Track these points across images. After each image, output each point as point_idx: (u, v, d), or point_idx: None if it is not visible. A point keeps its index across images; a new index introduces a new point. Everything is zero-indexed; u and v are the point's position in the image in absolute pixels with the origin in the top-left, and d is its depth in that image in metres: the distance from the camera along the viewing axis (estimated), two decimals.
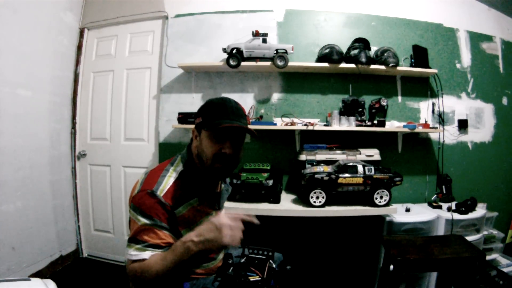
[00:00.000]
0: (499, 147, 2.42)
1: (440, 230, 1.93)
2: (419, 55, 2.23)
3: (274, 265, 1.14)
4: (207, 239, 0.79)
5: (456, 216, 1.91)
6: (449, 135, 2.35)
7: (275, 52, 2.07)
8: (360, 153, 1.98)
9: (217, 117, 0.93)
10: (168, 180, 0.94)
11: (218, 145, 0.94)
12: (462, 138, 2.38)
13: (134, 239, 0.86)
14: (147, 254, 0.84)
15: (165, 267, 0.80)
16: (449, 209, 1.96)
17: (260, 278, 1.02)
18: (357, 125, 2.09)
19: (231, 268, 1.05)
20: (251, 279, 1.00)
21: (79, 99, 2.53)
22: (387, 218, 1.88)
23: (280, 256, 1.30)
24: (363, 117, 2.16)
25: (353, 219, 1.91)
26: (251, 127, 2.09)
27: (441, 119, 2.31)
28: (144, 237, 0.86)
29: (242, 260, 1.13)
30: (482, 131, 2.41)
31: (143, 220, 0.86)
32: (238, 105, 1.00)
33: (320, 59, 2.21)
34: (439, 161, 2.32)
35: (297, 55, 2.23)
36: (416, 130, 2.09)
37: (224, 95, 2.32)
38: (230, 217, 0.81)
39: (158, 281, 0.82)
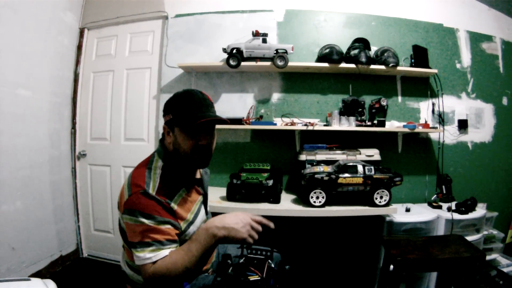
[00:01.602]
0: (499, 147, 2.42)
1: (440, 230, 1.93)
2: (419, 55, 2.23)
3: (273, 265, 1.14)
4: (231, 227, 0.83)
5: (456, 216, 1.91)
6: (449, 135, 2.35)
7: (275, 52, 2.07)
8: (360, 153, 1.98)
9: (188, 112, 0.93)
10: (155, 178, 0.94)
11: (193, 139, 0.95)
12: (462, 138, 2.38)
13: (144, 243, 0.85)
14: (166, 251, 0.84)
15: (193, 258, 0.81)
16: (449, 209, 1.96)
17: (259, 278, 1.02)
18: (357, 125, 2.09)
19: (231, 268, 1.05)
20: (250, 279, 1.00)
21: (79, 99, 2.53)
22: (387, 218, 1.88)
23: (278, 256, 1.30)
24: (363, 117, 2.16)
25: (353, 219, 1.91)
26: (251, 127, 2.10)
27: (441, 119, 2.31)
28: (154, 236, 0.85)
29: (241, 260, 1.13)
30: (482, 131, 2.41)
31: (146, 221, 0.85)
32: (204, 95, 1.01)
33: (320, 59, 2.21)
34: (439, 161, 2.32)
35: (297, 55, 2.23)
36: (416, 130, 2.09)
37: (224, 95, 2.33)
38: (253, 217, 0.89)
39: (186, 275, 0.82)
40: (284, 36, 2.32)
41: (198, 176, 1.12)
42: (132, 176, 0.95)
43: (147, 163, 0.99)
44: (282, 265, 1.19)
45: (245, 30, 2.24)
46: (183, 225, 0.96)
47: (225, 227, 0.84)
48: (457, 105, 2.38)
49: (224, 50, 2.09)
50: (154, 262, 0.83)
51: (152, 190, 0.89)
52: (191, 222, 0.99)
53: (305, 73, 2.30)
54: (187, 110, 0.94)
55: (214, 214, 1.21)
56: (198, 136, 0.95)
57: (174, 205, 0.93)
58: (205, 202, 1.13)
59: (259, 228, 0.89)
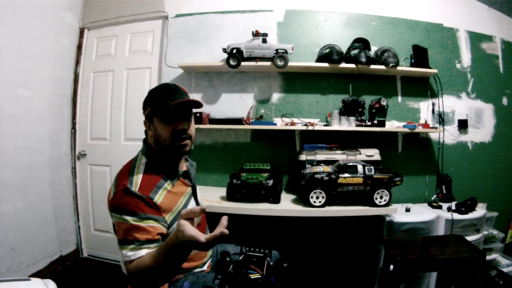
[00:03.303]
0: (499, 147, 2.42)
1: (440, 230, 1.93)
2: (419, 55, 2.23)
3: (271, 263, 1.14)
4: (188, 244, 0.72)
5: (456, 216, 1.91)
6: (449, 135, 2.35)
7: (275, 52, 2.07)
8: (360, 153, 1.98)
9: (163, 100, 0.98)
10: (138, 175, 0.96)
11: (172, 125, 0.99)
12: (462, 138, 2.38)
13: (126, 240, 0.87)
14: (144, 251, 0.86)
15: (161, 265, 0.80)
16: (449, 209, 1.96)
17: (260, 276, 1.02)
18: (357, 125, 2.09)
19: (231, 266, 1.05)
20: (251, 277, 1.01)
21: (79, 99, 2.53)
22: (387, 218, 1.88)
23: (276, 254, 1.31)
24: (363, 117, 2.16)
25: (353, 219, 1.91)
26: (251, 127, 2.10)
27: (441, 119, 2.31)
28: (135, 235, 0.87)
29: (240, 258, 1.13)
30: (482, 131, 2.41)
31: (129, 218, 0.88)
32: (178, 86, 1.05)
33: (320, 59, 2.21)
34: (439, 161, 2.31)
35: (297, 55, 2.23)
36: (416, 130, 2.09)
37: (224, 95, 2.33)
38: (195, 234, 0.70)
39: (156, 279, 0.82)
40: (284, 36, 2.32)
41: (184, 168, 1.13)
42: (118, 175, 0.98)
43: (131, 162, 1.02)
44: (280, 263, 1.19)
45: (245, 30, 2.24)
46: (169, 217, 0.96)
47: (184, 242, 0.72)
48: (457, 105, 2.38)
49: (224, 50, 2.09)
50: (132, 261, 0.85)
51: (134, 187, 0.91)
52: (178, 214, 1.00)
53: (305, 73, 2.30)
54: (161, 98, 0.99)
55: (215, 214, 1.21)
56: (175, 122, 0.99)
57: (158, 200, 0.94)
58: (194, 194, 1.15)
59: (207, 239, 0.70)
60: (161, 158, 1.03)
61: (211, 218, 1.18)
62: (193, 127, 1.06)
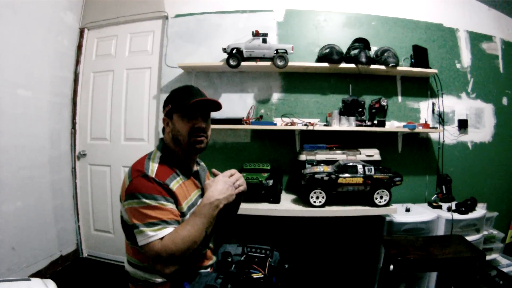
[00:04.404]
0: (499, 147, 2.42)
1: (440, 230, 1.93)
2: (419, 55, 2.23)
3: (272, 264, 1.15)
4: (228, 194, 0.98)
5: (456, 216, 1.91)
6: (449, 135, 2.35)
7: (275, 52, 2.07)
8: (360, 153, 1.98)
9: (185, 98, 1.02)
10: (154, 164, 0.98)
11: (191, 122, 1.03)
12: (462, 138, 2.38)
13: (149, 224, 0.87)
14: (170, 229, 0.87)
15: (200, 231, 0.88)
16: (449, 209, 1.96)
17: (262, 276, 1.02)
18: (357, 125, 2.09)
19: (233, 266, 1.05)
20: (254, 276, 1.01)
21: (79, 99, 2.53)
22: (387, 218, 1.88)
23: (277, 255, 1.31)
24: (363, 117, 2.16)
25: (353, 219, 1.91)
26: (251, 127, 2.10)
27: (441, 119, 2.31)
28: (158, 216, 0.87)
29: (242, 259, 1.13)
30: (482, 131, 2.41)
31: (149, 202, 0.88)
32: (199, 88, 1.11)
33: (320, 59, 2.21)
34: (439, 161, 2.32)
35: (297, 55, 2.23)
36: (416, 130, 2.09)
37: (224, 95, 2.33)
38: (230, 178, 1.04)
39: (193, 249, 0.87)
40: (284, 36, 2.32)
41: (195, 168, 1.15)
42: (132, 167, 0.99)
43: (146, 156, 1.04)
44: (281, 263, 1.19)
45: (245, 30, 2.24)
46: (184, 206, 0.98)
47: (225, 196, 0.96)
48: (457, 105, 2.38)
49: (224, 50, 2.09)
50: (161, 239, 0.85)
51: (151, 174, 0.93)
52: (189, 208, 1.01)
53: (305, 73, 2.30)
54: (184, 96, 1.03)
55: None
56: (194, 119, 1.03)
57: (173, 187, 0.96)
58: (203, 196, 1.15)
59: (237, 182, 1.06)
60: (175, 155, 1.06)
61: None
62: (209, 128, 1.10)
